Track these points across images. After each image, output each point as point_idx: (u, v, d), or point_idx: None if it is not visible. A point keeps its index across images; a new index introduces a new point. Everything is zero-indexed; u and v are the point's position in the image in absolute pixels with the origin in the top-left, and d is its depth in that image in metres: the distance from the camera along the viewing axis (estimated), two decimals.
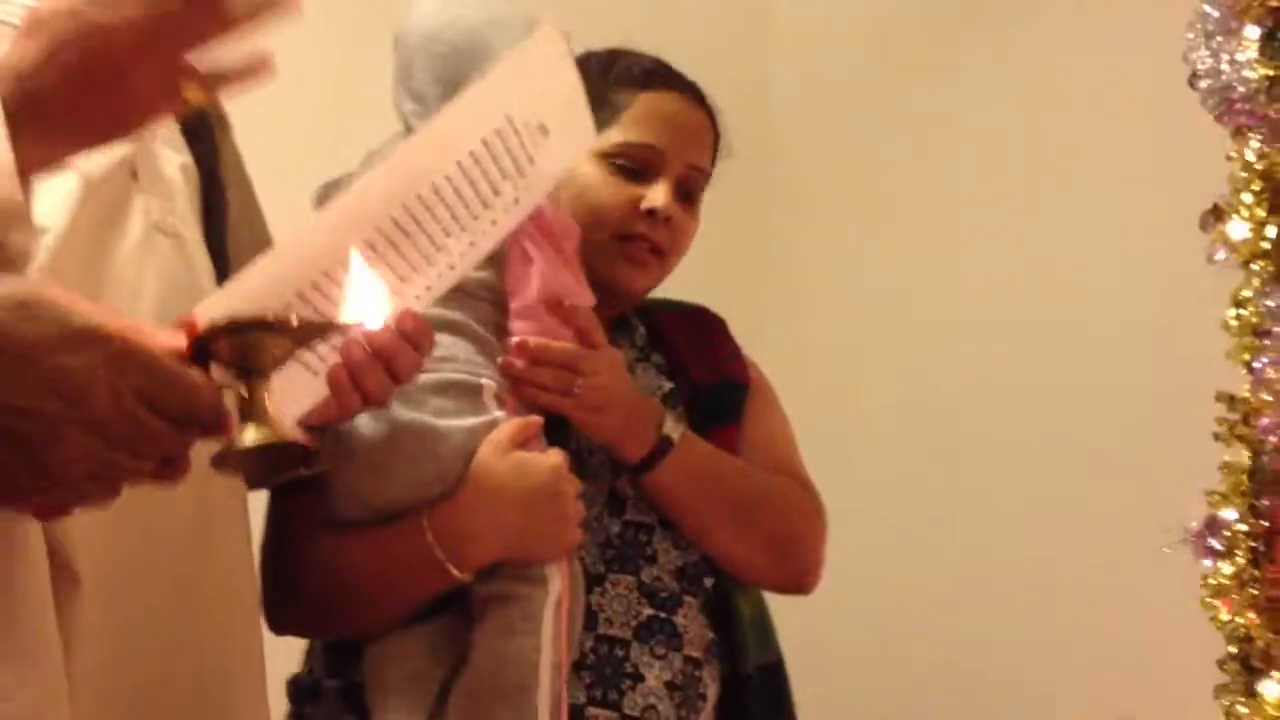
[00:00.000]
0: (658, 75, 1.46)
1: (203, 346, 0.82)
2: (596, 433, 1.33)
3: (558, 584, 1.25)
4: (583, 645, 1.29)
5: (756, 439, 1.47)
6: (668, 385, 1.45)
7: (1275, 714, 1.81)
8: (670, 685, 1.32)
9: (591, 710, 1.29)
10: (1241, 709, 1.84)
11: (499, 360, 1.29)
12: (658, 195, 1.40)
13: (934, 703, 2.77)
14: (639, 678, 1.31)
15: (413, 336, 1.10)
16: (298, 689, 1.34)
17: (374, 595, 1.25)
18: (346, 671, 1.30)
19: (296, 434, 0.86)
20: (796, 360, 2.87)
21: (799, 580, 1.47)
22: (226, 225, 1.20)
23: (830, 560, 1.54)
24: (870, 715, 2.85)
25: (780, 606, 1.58)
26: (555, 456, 1.28)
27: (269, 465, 0.86)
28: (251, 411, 0.82)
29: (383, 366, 1.13)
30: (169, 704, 1.03)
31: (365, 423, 1.24)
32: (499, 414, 1.27)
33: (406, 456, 1.25)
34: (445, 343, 1.28)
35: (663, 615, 1.35)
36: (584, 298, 1.31)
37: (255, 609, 1.17)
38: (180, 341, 0.82)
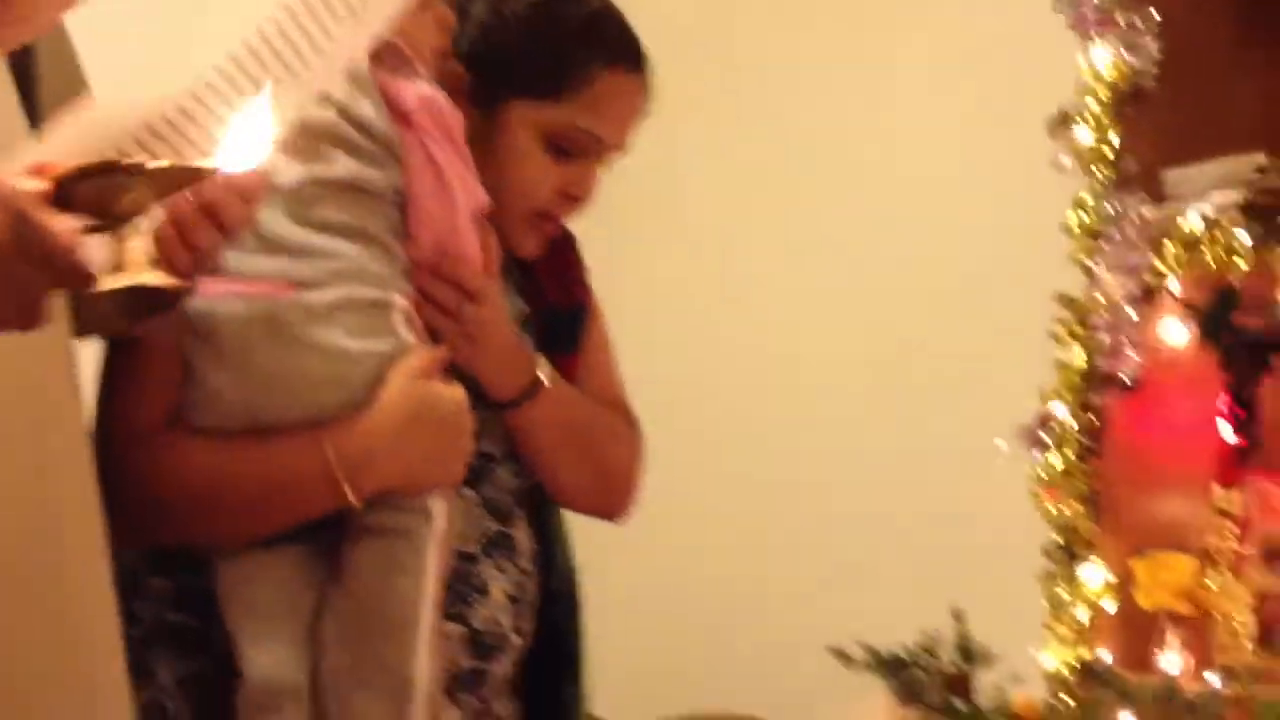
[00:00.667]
0: (629, 53, 1.40)
1: (63, 191, 0.79)
2: (469, 363, 1.31)
3: (442, 519, 1.24)
4: None
5: (593, 366, 1.48)
6: (526, 307, 1.44)
7: (1094, 598, 1.92)
8: (510, 597, 1.34)
9: (444, 625, 1.29)
10: (1063, 594, 1.94)
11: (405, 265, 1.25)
12: (586, 183, 1.38)
13: (764, 593, 2.85)
14: (485, 591, 1.32)
15: (241, 188, 1.04)
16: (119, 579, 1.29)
17: (247, 508, 1.21)
18: (172, 571, 1.26)
19: (159, 278, 0.83)
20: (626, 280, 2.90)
21: (619, 510, 1.50)
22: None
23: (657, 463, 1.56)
24: (699, 603, 2.93)
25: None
26: (460, 391, 1.27)
27: (131, 309, 0.83)
28: (114, 256, 0.79)
29: (211, 221, 1.08)
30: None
31: (269, 337, 1.19)
32: (409, 340, 1.24)
33: (315, 379, 1.21)
34: (353, 253, 1.23)
35: (505, 530, 1.36)
36: (481, 196, 1.28)
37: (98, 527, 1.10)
38: (42, 185, 0.78)
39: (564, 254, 1.47)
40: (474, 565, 1.30)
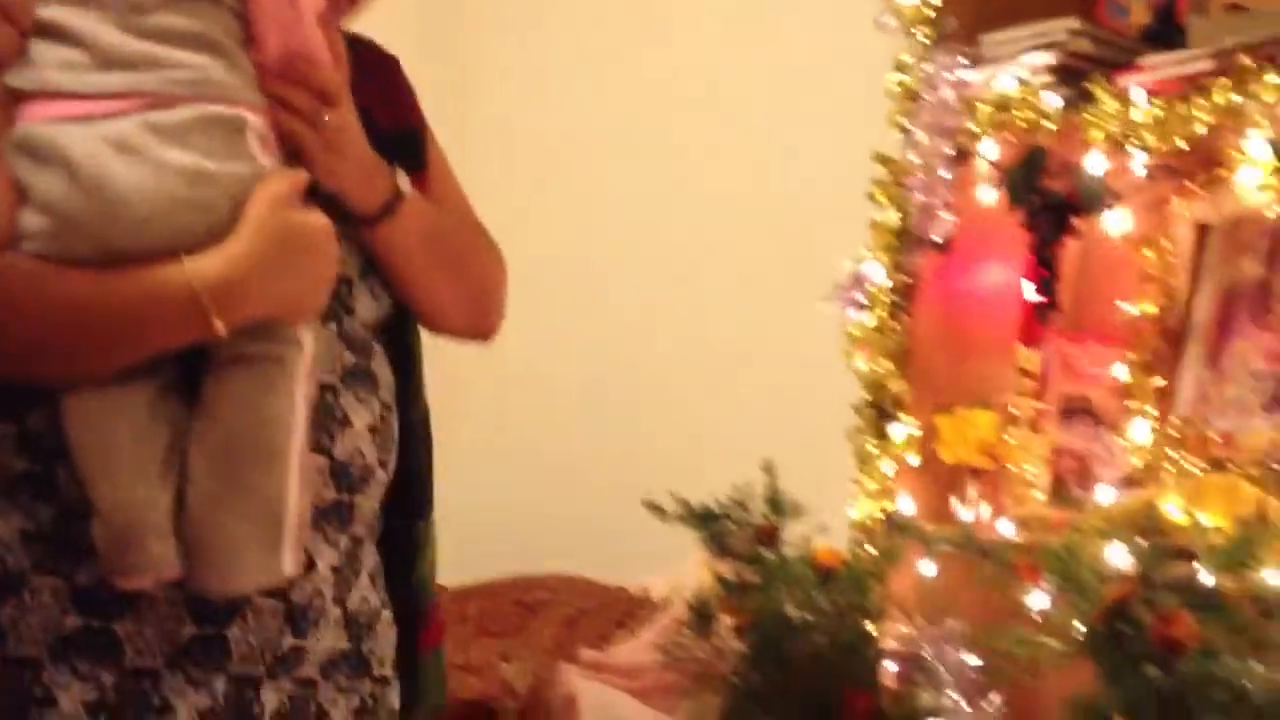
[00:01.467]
0: None
1: None
2: (330, 177, 1.25)
3: (310, 346, 1.20)
4: None
5: (441, 186, 1.43)
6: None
7: (901, 453, 1.98)
8: (371, 429, 1.31)
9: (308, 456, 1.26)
10: (872, 449, 1.99)
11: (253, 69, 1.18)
12: None
13: (583, 448, 2.88)
14: (348, 422, 1.29)
15: None
16: None
17: (102, 340, 1.14)
18: (11, 412, 1.20)
19: None
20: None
21: (490, 328, 1.47)
22: None
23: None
24: (518, 460, 2.95)
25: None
26: (323, 217, 1.22)
27: None
28: None
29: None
30: None
31: (121, 157, 1.12)
32: (266, 162, 1.18)
33: (174, 201, 1.14)
34: (198, 62, 1.16)
35: (362, 363, 1.32)
36: None
37: None
38: None
39: (389, 77, 1.42)
40: (334, 396, 1.27)
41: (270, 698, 1.20)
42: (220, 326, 1.14)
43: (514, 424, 3.08)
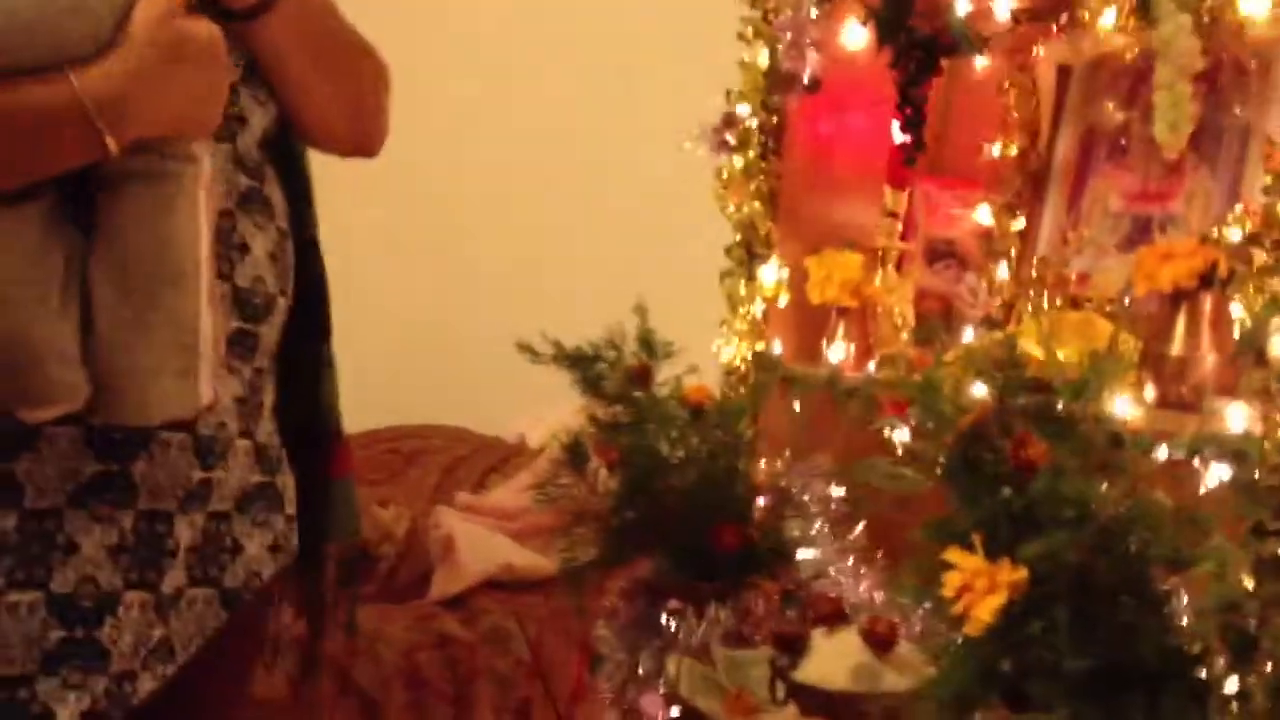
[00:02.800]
0: None
1: None
2: None
3: (206, 162, 1.15)
4: None
5: None
6: None
7: (770, 295, 2.00)
8: (271, 256, 1.28)
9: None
10: (741, 290, 2.01)
11: None
12: None
13: (457, 297, 2.87)
14: (247, 249, 1.25)
15: None
16: None
17: None
18: None
19: None
20: None
21: (371, 143, 1.42)
22: None
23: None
24: (390, 313, 2.93)
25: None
26: (213, 26, 1.15)
27: None
28: None
29: None
30: None
31: None
32: None
33: (59, 10, 1.08)
34: None
35: (256, 185, 1.28)
36: None
37: None
38: None
39: None
40: (232, 222, 1.23)
41: (184, 532, 1.19)
42: (112, 144, 1.09)
43: (388, 275, 3.04)
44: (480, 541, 2.28)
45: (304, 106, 1.32)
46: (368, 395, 2.83)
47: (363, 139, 1.40)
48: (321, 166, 1.42)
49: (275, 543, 1.28)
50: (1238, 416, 1.30)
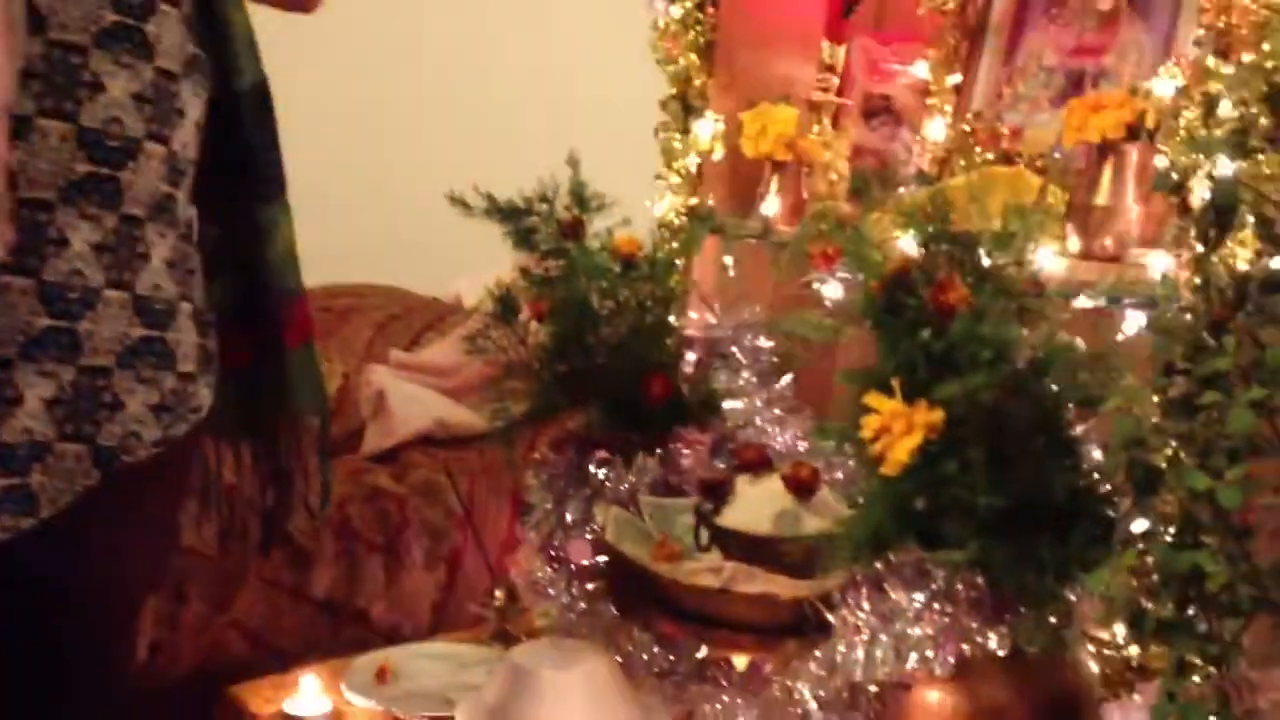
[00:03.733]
0: None
1: None
2: None
3: None
4: (29, 51, 1.14)
5: None
6: None
7: (705, 150, 1.99)
8: (138, 97, 1.21)
9: (41, 122, 1.16)
10: (677, 145, 2.00)
11: None
12: None
13: (390, 153, 2.82)
14: (100, 87, 1.19)
15: None
16: None
17: None
18: None
19: None
20: None
21: (308, 1, 1.36)
22: None
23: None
24: (324, 170, 2.88)
25: None
26: None
27: None
28: None
29: None
30: None
31: None
32: None
33: None
34: None
35: (128, 21, 1.21)
36: None
37: None
38: None
39: None
40: (81, 57, 1.16)
41: (37, 382, 1.15)
42: None
43: (324, 134, 2.98)
44: (413, 398, 2.27)
45: None
46: (303, 254, 2.80)
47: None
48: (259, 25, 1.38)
49: (162, 402, 1.22)
50: (1158, 265, 1.31)
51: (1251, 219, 0.93)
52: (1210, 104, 0.99)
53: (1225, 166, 0.92)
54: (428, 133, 2.80)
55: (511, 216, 1.94)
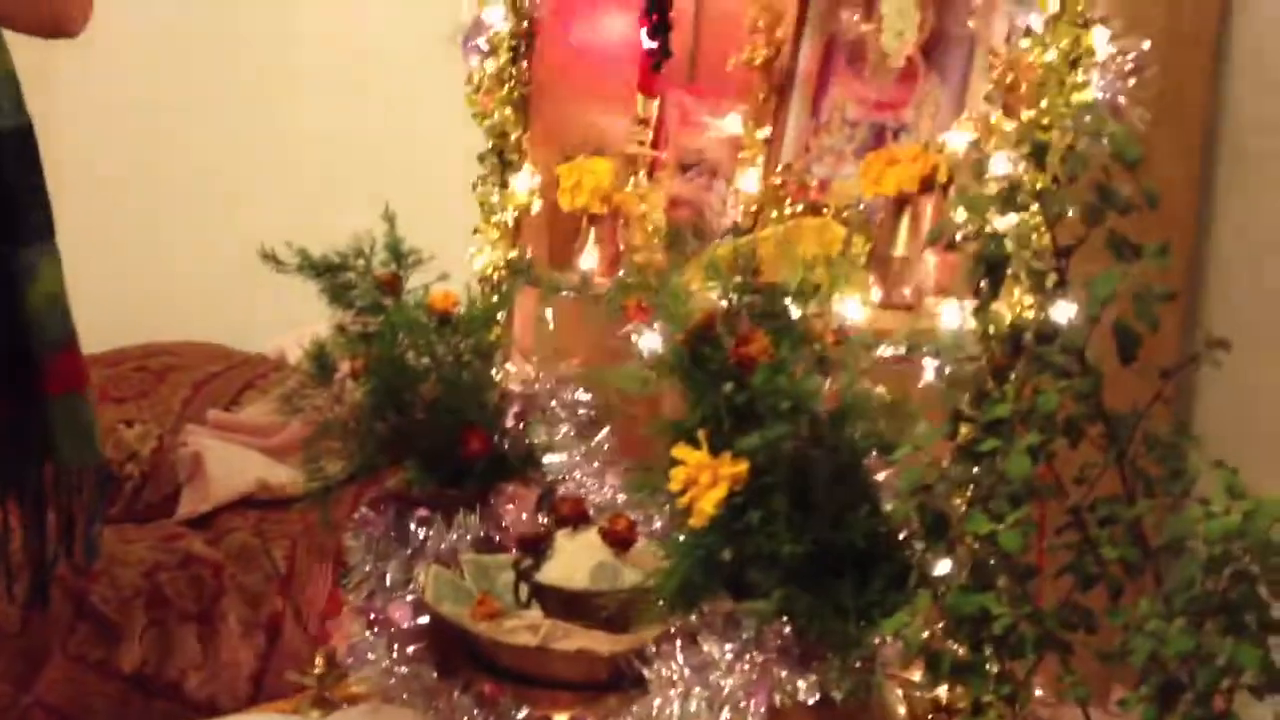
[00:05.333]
0: None
1: None
2: None
3: None
4: None
5: None
6: None
7: (523, 203, 1.99)
8: None
9: None
10: (494, 198, 1.99)
11: None
12: None
13: (204, 210, 2.77)
14: None
15: None
16: None
17: None
18: None
19: None
20: None
21: (65, 22, 1.31)
22: None
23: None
24: (139, 228, 2.82)
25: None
26: None
27: None
28: None
29: None
30: None
31: None
32: None
33: None
34: None
35: None
36: None
37: None
38: None
39: None
40: None
41: None
42: None
43: (134, 189, 2.91)
44: (231, 458, 2.21)
45: None
46: (120, 311, 2.72)
47: (52, 19, 1.30)
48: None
49: None
50: (951, 314, 1.36)
51: (1024, 271, 0.97)
52: (980, 166, 1.03)
53: (997, 222, 0.95)
54: (247, 186, 2.75)
55: (327, 272, 1.92)
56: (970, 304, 1.30)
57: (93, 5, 1.33)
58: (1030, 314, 1.09)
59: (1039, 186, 0.98)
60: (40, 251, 1.33)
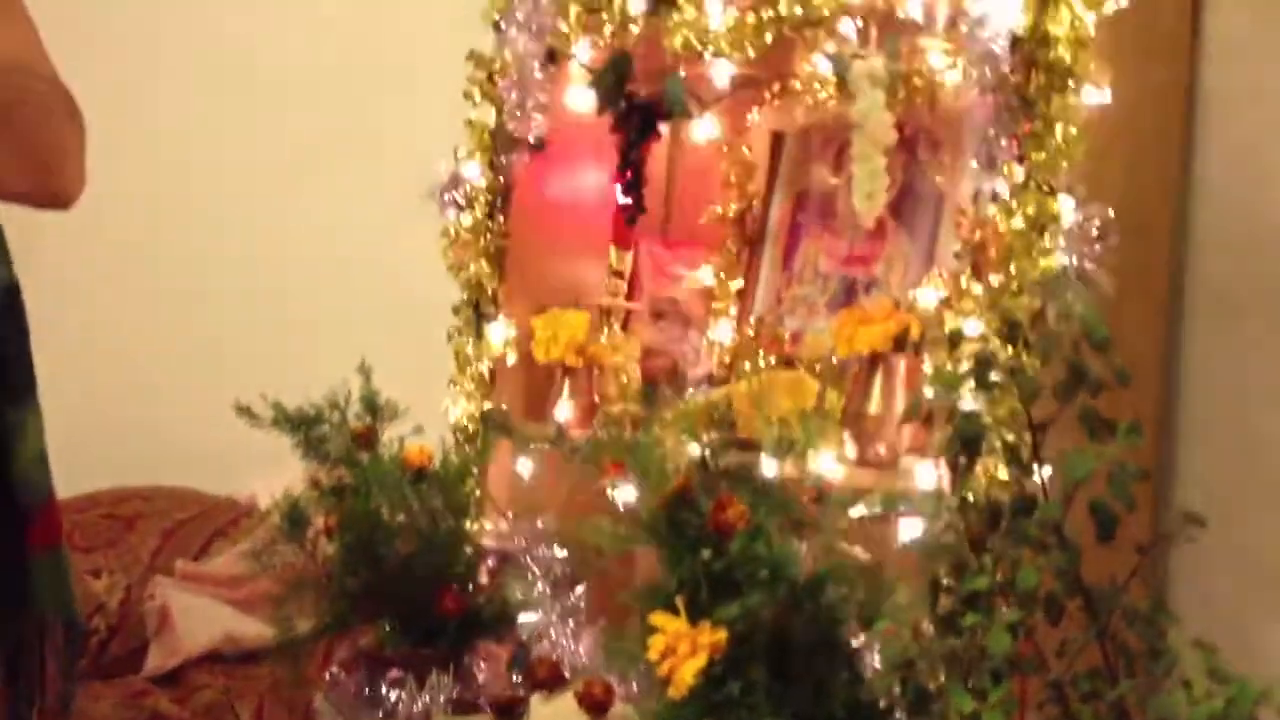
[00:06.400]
0: None
1: None
2: None
3: None
4: None
5: None
6: None
7: (498, 354, 1.99)
8: None
9: None
10: (470, 350, 2.00)
11: None
12: None
13: (178, 356, 2.77)
14: None
15: None
16: None
17: None
18: None
19: None
20: None
21: (59, 195, 1.32)
22: None
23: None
24: (112, 372, 2.82)
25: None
26: None
27: None
28: None
29: None
30: None
31: None
32: None
33: None
34: None
35: None
36: None
37: None
38: None
39: None
40: None
41: None
42: None
43: (108, 333, 2.90)
44: (199, 612, 2.18)
45: None
46: (87, 457, 2.69)
47: (46, 192, 1.31)
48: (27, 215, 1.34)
49: None
50: (927, 474, 1.36)
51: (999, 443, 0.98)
52: (954, 338, 1.05)
53: (969, 402, 0.96)
54: (222, 334, 2.75)
55: (301, 426, 1.91)
56: (945, 469, 1.31)
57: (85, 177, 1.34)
58: (1005, 483, 1.10)
59: (1011, 364, 0.99)
60: (27, 409, 1.32)
